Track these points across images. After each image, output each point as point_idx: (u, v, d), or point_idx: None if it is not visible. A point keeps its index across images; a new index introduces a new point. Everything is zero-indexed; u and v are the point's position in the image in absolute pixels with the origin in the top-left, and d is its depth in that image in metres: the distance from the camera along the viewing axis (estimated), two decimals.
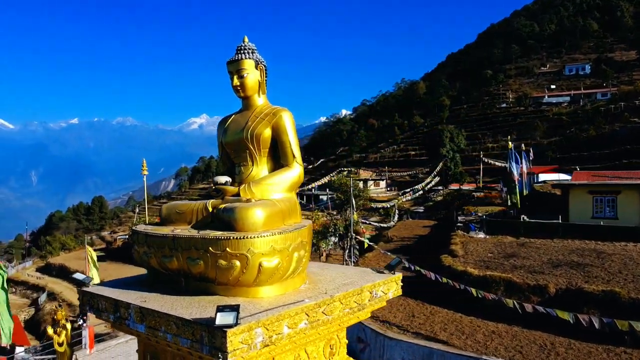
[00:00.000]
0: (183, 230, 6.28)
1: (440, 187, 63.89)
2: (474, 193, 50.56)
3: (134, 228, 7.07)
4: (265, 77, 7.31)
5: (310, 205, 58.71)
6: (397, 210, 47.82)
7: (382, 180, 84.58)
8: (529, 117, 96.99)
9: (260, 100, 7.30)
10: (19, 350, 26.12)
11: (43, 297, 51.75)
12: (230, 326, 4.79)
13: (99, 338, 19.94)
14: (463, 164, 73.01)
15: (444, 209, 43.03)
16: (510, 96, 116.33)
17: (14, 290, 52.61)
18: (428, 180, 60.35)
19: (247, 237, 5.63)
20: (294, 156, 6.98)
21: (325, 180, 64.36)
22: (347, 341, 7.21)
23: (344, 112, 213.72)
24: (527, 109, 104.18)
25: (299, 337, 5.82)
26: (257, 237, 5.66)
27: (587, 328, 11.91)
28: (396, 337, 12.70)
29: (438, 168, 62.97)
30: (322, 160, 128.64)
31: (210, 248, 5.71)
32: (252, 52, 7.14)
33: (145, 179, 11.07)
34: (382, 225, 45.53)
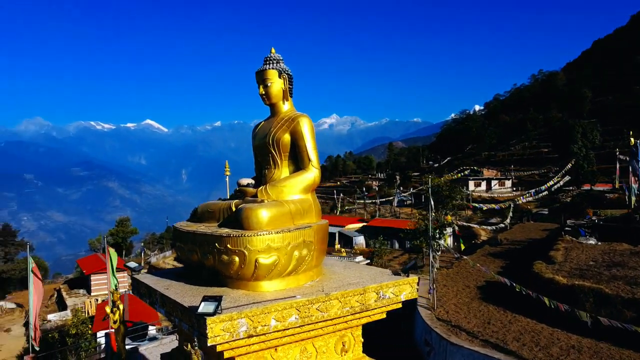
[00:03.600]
0: (205, 228, 6.96)
1: (571, 188, 58.53)
2: (607, 194, 45.49)
3: (172, 224, 7.94)
4: (290, 85, 7.73)
5: (422, 206, 57.69)
6: (512, 212, 44.80)
7: (508, 179, 79.71)
8: None
9: (285, 107, 7.77)
10: (151, 329, 29.73)
11: None
12: (210, 314, 5.33)
13: None
14: (602, 162, 65.80)
15: (570, 211, 39.46)
16: None
17: None
18: (555, 180, 55.41)
19: (244, 235, 6.14)
20: (309, 160, 7.33)
21: (445, 179, 63.08)
22: (362, 340, 7.34)
23: (476, 107, 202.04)
24: None
25: (294, 331, 6.15)
26: (254, 235, 6.13)
27: None
28: (458, 343, 12.17)
29: (568, 167, 57.61)
30: (448, 158, 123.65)
31: (216, 244, 6.33)
32: (277, 62, 7.61)
33: (227, 180, 12.01)
34: (496, 227, 43.10)
